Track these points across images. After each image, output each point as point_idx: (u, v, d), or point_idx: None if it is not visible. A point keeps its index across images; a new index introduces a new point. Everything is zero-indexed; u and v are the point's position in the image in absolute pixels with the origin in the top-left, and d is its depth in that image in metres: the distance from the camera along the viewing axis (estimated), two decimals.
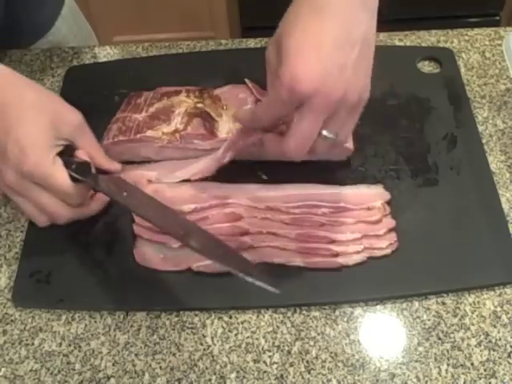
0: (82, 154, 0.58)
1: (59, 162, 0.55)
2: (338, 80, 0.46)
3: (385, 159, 0.64)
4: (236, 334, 0.55)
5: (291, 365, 0.53)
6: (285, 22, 0.49)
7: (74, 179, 0.55)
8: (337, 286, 0.56)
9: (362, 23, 0.48)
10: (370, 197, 0.60)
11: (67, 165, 0.56)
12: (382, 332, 0.55)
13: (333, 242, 0.57)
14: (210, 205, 0.60)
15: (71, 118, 0.58)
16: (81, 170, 0.56)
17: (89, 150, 0.59)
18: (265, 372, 0.53)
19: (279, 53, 0.48)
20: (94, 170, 0.58)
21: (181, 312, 0.56)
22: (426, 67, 0.73)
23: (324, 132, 0.49)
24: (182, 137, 0.62)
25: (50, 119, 0.55)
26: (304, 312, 0.56)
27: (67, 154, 0.57)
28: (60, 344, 0.55)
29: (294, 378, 0.52)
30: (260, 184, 0.62)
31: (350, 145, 0.62)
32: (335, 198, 0.60)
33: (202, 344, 0.55)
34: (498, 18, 1.70)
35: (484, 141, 0.66)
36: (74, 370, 0.54)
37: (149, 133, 0.62)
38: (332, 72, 0.46)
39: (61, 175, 0.55)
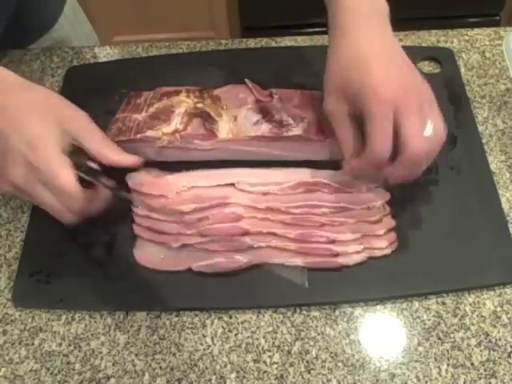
0: (93, 165, 0.56)
1: (67, 161, 0.54)
2: (407, 80, 0.55)
3: None
4: (236, 334, 0.55)
5: (291, 365, 0.53)
6: (341, 73, 0.56)
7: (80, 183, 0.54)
8: (337, 286, 0.56)
9: (389, 38, 0.58)
10: (370, 197, 0.60)
11: (77, 167, 0.54)
12: (382, 332, 0.55)
13: (333, 241, 0.57)
14: (210, 205, 0.60)
15: (76, 116, 0.57)
16: (90, 173, 0.55)
17: (98, 148, 0.56)
18: (265, 372, 0.53)
19: (351, 94, 0.55)
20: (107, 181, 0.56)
21: (181, 312, 0.56)
22: (426, 67, 0.73)
23: (424, 132, 0.54)
24: (182, 137, 0.62)
25: (55, 118, 0.54)
26: (304, 312, 0.56)
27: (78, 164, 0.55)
28: (60, 344, 0.55)
29: (293, 377, 0.52)
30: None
31: None
32: (335, 198, 0.60)
33: (202, 344, 0.55)
34: (498, 17, 1.70)
35: (484, 141, 0.66)
36: (74, 369, 0.54)
37: (149, 133, 0.62)
38: (399, 77, 0.55)
39: (67, 175, 0.53)
